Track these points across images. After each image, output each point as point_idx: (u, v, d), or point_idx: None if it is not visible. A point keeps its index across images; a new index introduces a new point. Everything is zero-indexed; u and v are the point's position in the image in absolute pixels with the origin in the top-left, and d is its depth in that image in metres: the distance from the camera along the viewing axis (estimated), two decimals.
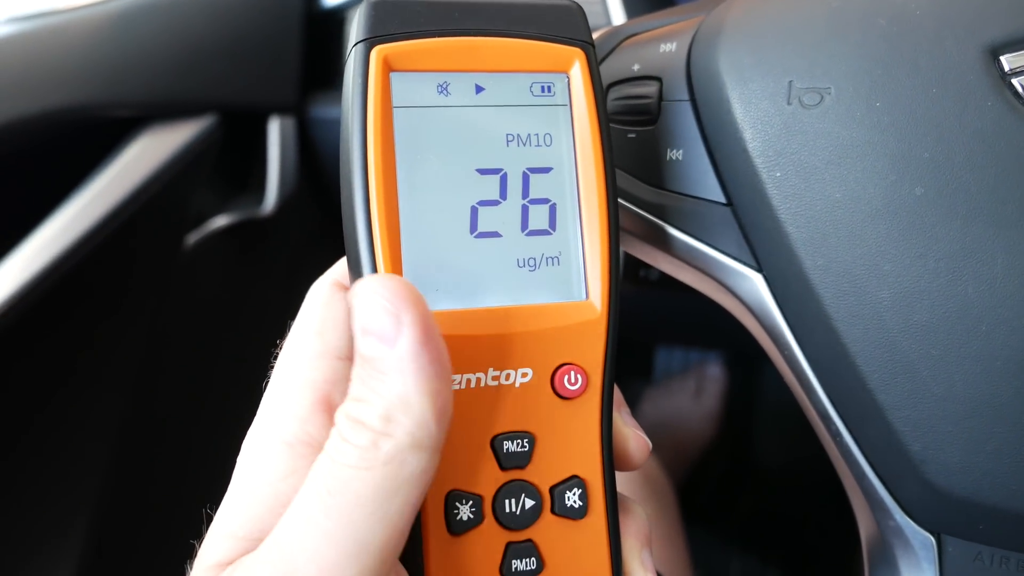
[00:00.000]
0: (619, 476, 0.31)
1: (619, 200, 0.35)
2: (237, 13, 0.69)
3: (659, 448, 1.19)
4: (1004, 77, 0.28)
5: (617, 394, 0.31)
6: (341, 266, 0.29)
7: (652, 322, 0.79)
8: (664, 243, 0.35)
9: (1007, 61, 0.28)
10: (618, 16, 0.69)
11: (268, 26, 0.70)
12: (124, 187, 0.57)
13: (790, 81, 0.30)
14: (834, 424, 0.32)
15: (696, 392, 1.22)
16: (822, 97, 0.30)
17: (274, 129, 0.69)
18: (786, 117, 0.30)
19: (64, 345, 0.60)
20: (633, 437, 0.30)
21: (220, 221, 0.69)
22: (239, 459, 0.27)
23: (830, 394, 0.32)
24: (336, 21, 0.78)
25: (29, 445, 0.59)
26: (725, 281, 0.34)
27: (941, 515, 0.30)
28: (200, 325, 0.67)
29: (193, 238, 0.67)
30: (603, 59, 0.37)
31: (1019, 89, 0.27)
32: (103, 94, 0.59)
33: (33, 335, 0.57)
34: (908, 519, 0.31)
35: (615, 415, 0.30)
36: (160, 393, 0.66)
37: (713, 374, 1.22)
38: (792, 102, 0.30)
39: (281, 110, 0.69)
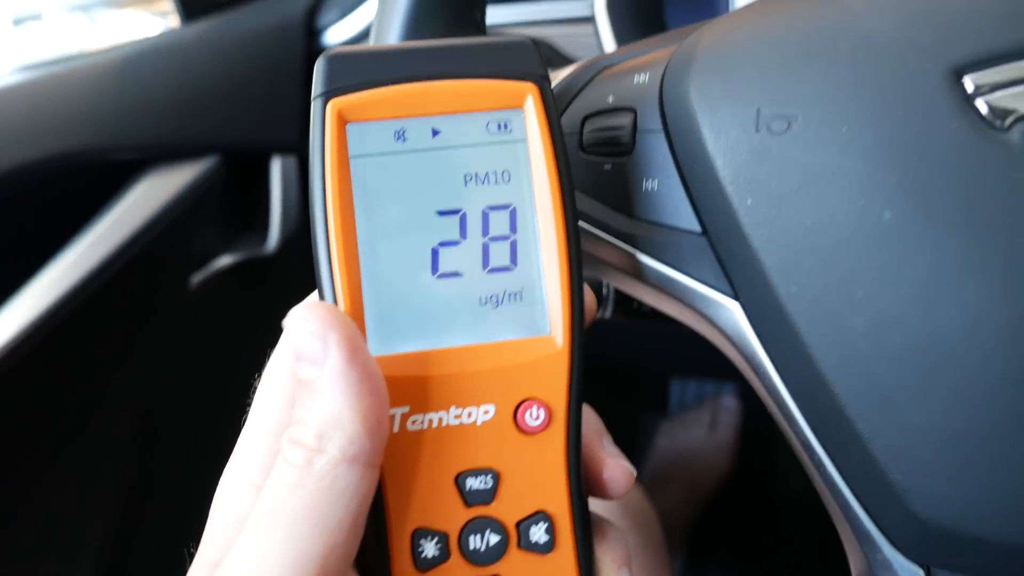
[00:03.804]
0: (601, 506, 0.31)
1: (597, 232, 0.35)
2: (239, 56, 0.70)
3: (674, 482, 1.17)
4: (967, 98, 0.27)
5: (597, 422, 0.31)
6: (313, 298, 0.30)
7: (647, 353, 0.78)
8: (643, 273, 0.35)
9: (970, 81, 0.28)
10: (610, 45, 0.70)
11: (270, 67, 0.71)
12: (127, 229, 0.58)
13: (758, 108, 0.30)
14: (816, 454, 0.31)
15: (712, 424, 1.21)
16: (789, 124, 0.30)
17: (276, 169, 0.70)
18: (755, 144, 0.30)
19: (67, 384, 0.61)
20: (611, 466, 0.30)
21: (224, 260, 0.70)
22: (214, 498, 0.28)
23: (811, 423, 0.31)
24: None
25: (30, 485, 0.60)
26: (703, 310, 0.33)
27: (927, 546, 0.30)
28: (203, 363, 0.67)
29: (197, 278, 0.67)
30: (579, 91, 0.37)
31: (983, 110, 0.27)
32: (106, 138, 0.61)
33: (36, 374, 0.58)
34: (895, 551, 0.30)
35: (595, 443, 0.30)
36: (161, 432, 0.66)
37: (729, 405, 1.21)
38: (760, 129, 0.30)
39: (283, 149, 0.70)
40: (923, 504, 0.29)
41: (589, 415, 0.31)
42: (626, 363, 1.05)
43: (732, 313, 0.32)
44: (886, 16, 0.29)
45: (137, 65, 0.64)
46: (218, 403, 0.69)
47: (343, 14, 0.79)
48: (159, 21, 0.84)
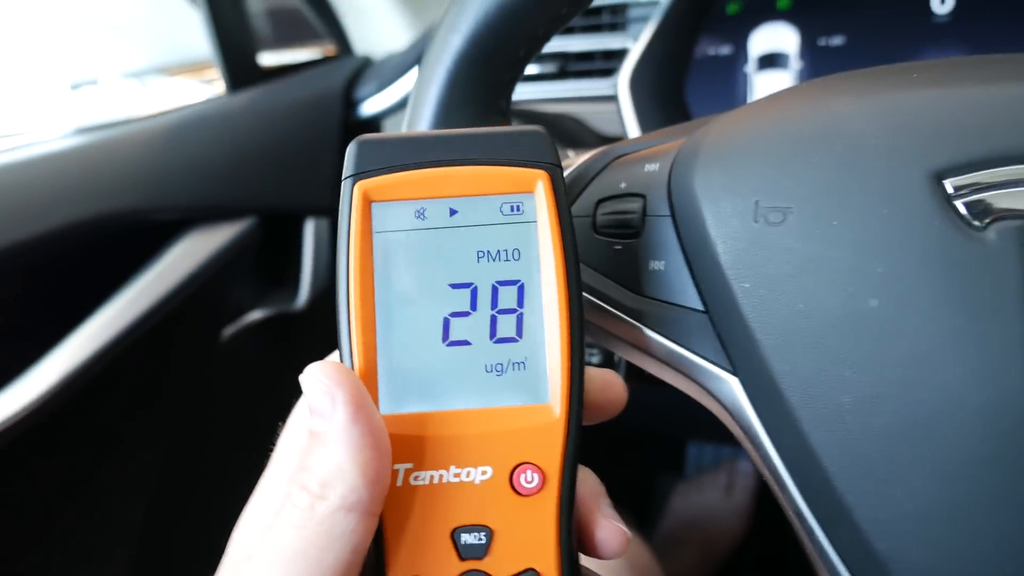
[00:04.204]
0: (607, 565, 0.33)
1: (608, 307, 0.38)
2: (280, 124, 0.74)
3: (689, 545, 1.17)
4: (948, 199, 0.30)
5: (597, 484, 0.33)
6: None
7: (664, 416, 0.79)
8: (648, 347, 0.37)
9: (950, 184, 0.30)
10: (631, 123, 0.73)
11: (308, 136, 0.75)
12: (165, 285, 0.62)
13: (756, 200, 0.33)
14: (808, 523, 0.33)
15: (728, 488, 1.21)
16: (785, 216, 0.32)
17: (309, 230, 0.73)
18: (753, 233, 0.33)
19: (105, 427, 0.64)
20: (605, 527, 0.32)
21: (255, 315, 0.73)
22: (231, 536, 0.30)
23: (804, 494, 0.33)
24: (373, 128, 0.84)
25: (59, 535, 0.62)
26: (704, 383, 0.36)
27: None
28: (231, 411, 0.70)
29: (229, 331, 0.70)
30: (594, 177, 0.40)
31: (961, 210, 0.30)
32: (152, 200, 0.64)
33: (76, 418, 0.61)
34: None
35: (591, 505, 0.32)
36: (189, 474, 0.68)
37: (745, 469, 1.21)
38: (759, 220, 0.33)
39: (316, 212, 0.73)
40: (906, 575, 0.30)
41: (588, 477, 0.33)
42: (643, 425, 1.06)
43: (731, 387, 0.35)
44: (874, 120, 0.32)
45: (183, 131, 0.68)
46: (243, 449, 0.71)
47: (380, 87, 0.83)
48: (207, 88, 0.89)
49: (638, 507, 1.25)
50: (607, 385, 0.34)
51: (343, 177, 0.31)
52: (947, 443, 0.29)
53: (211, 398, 0.69)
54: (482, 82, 0.41)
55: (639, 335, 0.37)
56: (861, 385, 0.31)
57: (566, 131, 0.81)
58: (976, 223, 0.30)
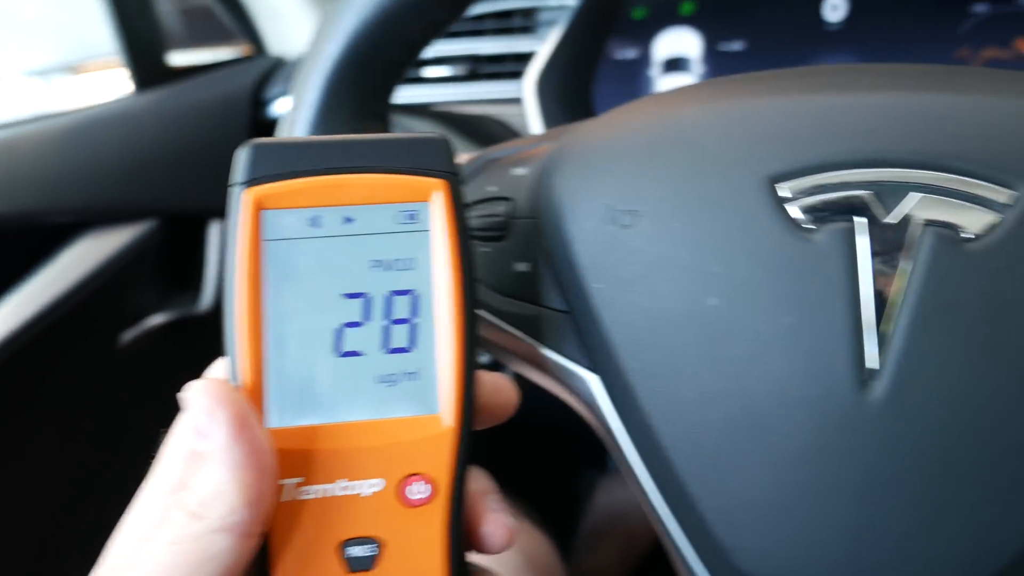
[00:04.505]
0: (504, 562, 0.33)
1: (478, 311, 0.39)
2: (187, 125, 0.73)
3: (611, 539, 1.19)
4: (781, 203, 0.32)
5: (485, 482, 0.33)
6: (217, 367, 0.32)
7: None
8: (516, 348, 0.38)
9: (783, 189, 0.32)
10: (536, 125, 0.74)
11: (216, 136, 0.74)
12: (58, 288, 0.61)
13: (609, 204, 0.34)
14: (660, 513, 0.35)
15: None
16: (634, 219, 0.34)
17: (214, 232, 0.72)
18: (606, 236, 0.34)
19: None
20: (490, 520, 0.32)
21: (158, 318, 0.72)
22: (105, 547, 0.29)
23: (658, 485, 0.34)
24: None
25: None
26: (569, 383, 0.37)
27: None
28: (130, 418, 0.69)
29: (130, 334, 0.70)
30: (468, 181, 0.41)
31: (793, 213, 0.31)
32: (46, 202, 0.63)
33: None
34: None
35: (478, 500, 0.32)
36: (89, 488, 0.67)
37: None
38: (612, 223, 0.34)
39: (221, 214, 0.73)
40: (746, 560, 0.32)
41: (479, 475, 0.33)
42: (564, 421, 1.07)
43: (592, 385, 0.36)
44: (715, 127, 0.34)
45: (82, 132, 0.67)
46: (145, 455, 0.70)
47: (290, 87, 0.83)
48: (114, 88, 0.88)
49: (560, 502, 1.26)
50: (497, 390, 0.34)
51: (230, 184, 0.30)
52: (778, 435, 0.31)
53: (111, 403, 0.68)
54: (360, 87, 0.41)
55: (508, 338, 0.38)
56: (701, 381, 0.32)
57: (489, 133, 0.82)
58: (806, 226, 0.31)
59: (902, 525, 0.30)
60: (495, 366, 0.67)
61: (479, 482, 0.33)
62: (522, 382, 0.37)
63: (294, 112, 0.42)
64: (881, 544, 0.30)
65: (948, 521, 0.30)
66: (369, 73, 0.41)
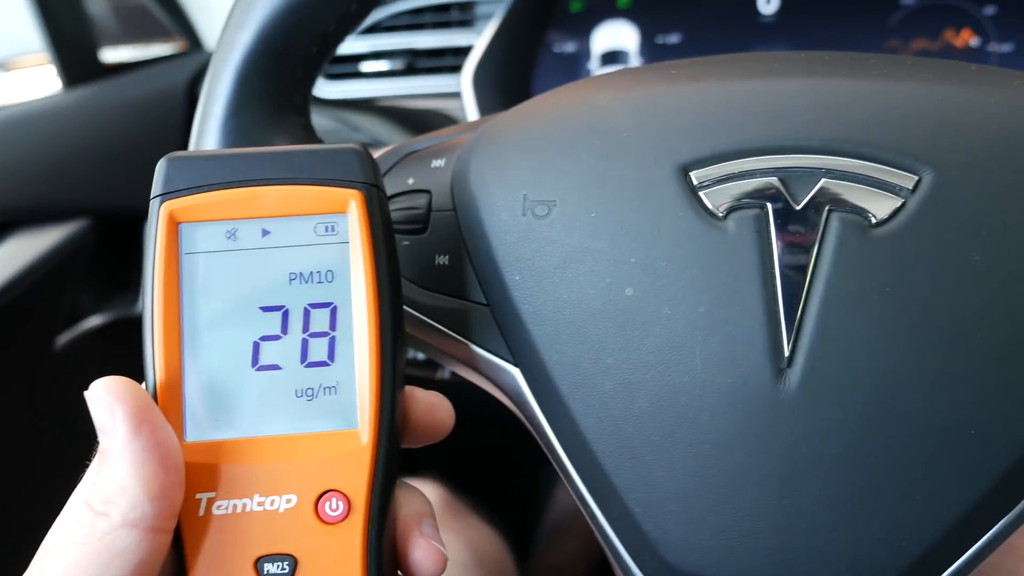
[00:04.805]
0: (454, 561, 0.32)
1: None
2: (119, 122, 0.72)
3: (573, 535, 1.19)
4: (694, 191, 0.31)
5: (423, 504, 0.33)
6: None
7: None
8: (440, 343, 0.38)
9: (695, 177, 0.31)
10: (474, 116, 0.74)
11: (149, 134, 0.73)
12: None
13: (524, 195, 0.34)
14: (589, 506, 0.34)
15: None
16: (549, 209, 0.33)
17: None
18: (522, 227, 0.34)
19: None
20: (420, 546, 0.31)
21: (95, 320, 0.70)
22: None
23: (583, 478, 0.34)
24: None
25: None
26: (491, 376, 0.36)
27: None
28: (72, 422, 0.67)
29: (64, 338, 0.68)
30: (385, 173, 0.40)
31: (705, 201, 0.31)
32: None
33: None
34: None
35: (411, 524, 0.31)
36: (17, 493, 0.66)
37: None
38: (526, 213, 0.34)
39: None
40: (672, 552, 0.32)
41: (414, 498, 0.33)
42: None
43: (514, 378, 0.35)
44: (629, 115, 0.33)
45: (9, 129, 0.65)
46: (81, 458, 0.69)
47: None
48: (45, 85, 0.85)
49: (522, 499, 1.26)
50: (432, 408, 0.33)
51: (151, 196, 0.30)
52: (698, 425, 0.31)
53: (47, 405, 0.66)
54: (274, 79, 0.40)
55: (431, 332, 0.38)
56: (621, 372, 0.32)
57: (436, 127, 0.81)
58: (718, 213, 0.31)
59: (825, 512, 0.30)
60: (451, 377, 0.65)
61: (413, 504, 0.32)
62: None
63: (206, 107, 0.41)
64: (805, 532, 0.30)
65: (870, 506, 0.30)
66: (283, 65, 0.40)
